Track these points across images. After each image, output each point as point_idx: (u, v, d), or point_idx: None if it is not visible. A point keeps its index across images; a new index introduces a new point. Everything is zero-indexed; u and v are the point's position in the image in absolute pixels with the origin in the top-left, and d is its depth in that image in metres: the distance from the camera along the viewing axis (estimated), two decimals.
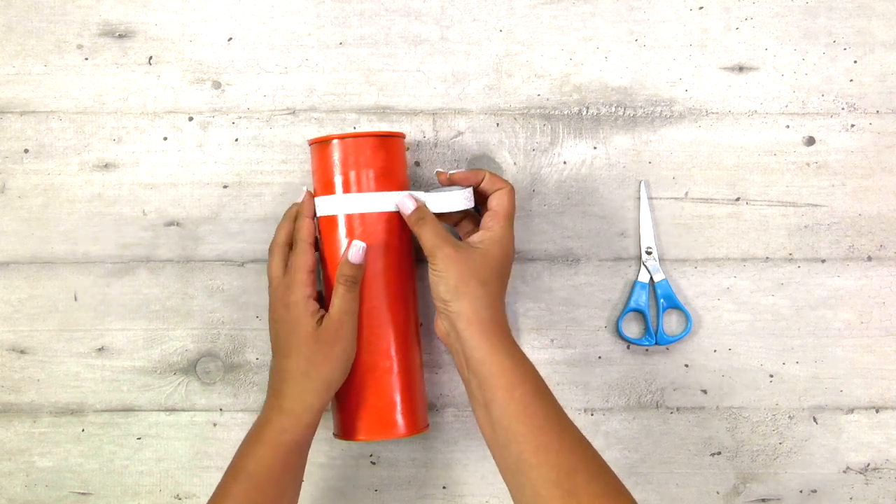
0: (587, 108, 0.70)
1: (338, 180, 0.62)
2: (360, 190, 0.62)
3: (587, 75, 0.70)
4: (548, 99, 0.70)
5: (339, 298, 0.60)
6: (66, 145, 0.69)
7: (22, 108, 0.70)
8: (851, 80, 0.70)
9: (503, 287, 0.61)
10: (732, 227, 0.70)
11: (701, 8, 0.70)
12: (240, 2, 0.70)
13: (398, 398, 0.63)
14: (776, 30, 0.70)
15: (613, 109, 0.70)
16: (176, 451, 0.69)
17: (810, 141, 0.70)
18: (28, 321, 0.69)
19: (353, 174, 0.62)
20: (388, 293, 0.63)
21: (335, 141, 0.62)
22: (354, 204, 0.62)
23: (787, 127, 0.70)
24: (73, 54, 0.70)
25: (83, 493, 0.70)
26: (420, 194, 0.63)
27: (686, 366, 0.70)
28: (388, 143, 0.63)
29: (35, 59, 0.69)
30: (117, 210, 0.70)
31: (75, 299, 0.69)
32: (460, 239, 0.65)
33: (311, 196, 0.64)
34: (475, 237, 0.61)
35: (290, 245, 0.63)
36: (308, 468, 0.69)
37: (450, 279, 0.58)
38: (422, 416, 0.65)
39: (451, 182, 0.63)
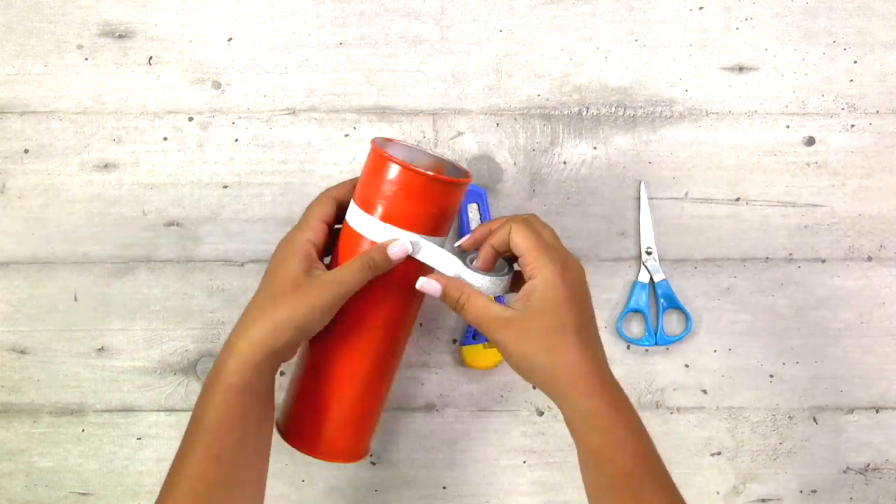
0: (587, 108, 0.70)
1: (380, 204, 0.55)
2: (398, 224, 0.55)
3: (587, 75, 0.70)
4: (548, 99, 0.70)
5: (348, 270, 0.55)
6: (66, 145, 0.70)
7: (22, 108, 0.70)
8: (851, 80, 0.70)
9: (581, 337, 0.52)
10: (732, 227, 0.70)
11: (701, 8, 0.70)
12: (240, 2, 0.70)
13: (352, 425, 0.59)
14: (776, 30, 0.70)
15: (613, 109, 0.70)
16: (176, 451, 0.69)
17: (810, 141, 0.70)
18: (28, 321, 0.69)
19: (399, 205, 0.55)
20: (384, 331, 0.58)
21: (396, 167, 0.54)
22: (384, 233, 0.56)
23: (787, 127, 0.70)
24: (73, 54, 0.70)
25: (83, 493, 0.70)
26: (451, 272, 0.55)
27: (686, 366, 0.70)
28: (451, 190, 0.56)
29: (35, 59, 0.69)
30: (117, 210, 0.70)
31: (75, 299, 0.69)
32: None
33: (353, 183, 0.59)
34: (520, 296, 0.52)
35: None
36: (308, 468, 0.69)
37: (513, 359, 0.52)
38: (364, 446, 0.62)
39: (472, 246, 0.56)
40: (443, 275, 0.55)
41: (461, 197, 0.58)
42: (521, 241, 0.53)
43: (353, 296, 0.56)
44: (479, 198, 0.67)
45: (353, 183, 0.59)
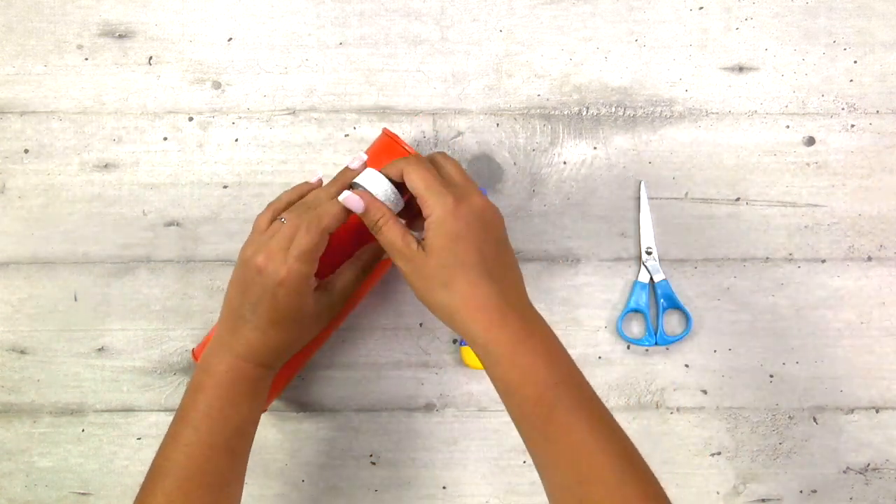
0: (587, 108, 0.70)
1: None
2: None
3: (587, 75, 0.70)
4: (548, 99, 0.70)
5: (353, 274, 0.58)
6: (66, 145, 0.69)
7: (22, 108, 0.70)
8: (851, 80, 0.70)
9: (475, 270, 0.51)
10: (732, 227, 0.70)
11: (701, 8, 0.70)
12: (240, 2, 0.70)
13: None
14: (776, 30, 0.70)
15: (613, 109, 0.70)
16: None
17: (810, 141, 0.70)
18: (28, 321, 0.69)
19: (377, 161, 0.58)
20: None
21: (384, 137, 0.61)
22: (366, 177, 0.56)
23: (787, 127, 0.70)
24: (73, 54, 0.70)
25: (83, 493, 0.70)
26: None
27: (686, 366, 0.70)
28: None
29: (35, 59, 0.69)
30: (117, 210, 0.70)
31: (75, 299, 0.69)
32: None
33: (363, 167, 0.57)
34: (424, 232, 0.53)
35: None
36: (308, 468, 0.69)
37: (422, 297, 0.52)
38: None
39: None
40: (369, 194, 0.54)
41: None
42: (415, 180, 0.52)
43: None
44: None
45: (346, 214, 0.55)
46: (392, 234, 0.53)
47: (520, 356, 0.50)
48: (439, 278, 0.51)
